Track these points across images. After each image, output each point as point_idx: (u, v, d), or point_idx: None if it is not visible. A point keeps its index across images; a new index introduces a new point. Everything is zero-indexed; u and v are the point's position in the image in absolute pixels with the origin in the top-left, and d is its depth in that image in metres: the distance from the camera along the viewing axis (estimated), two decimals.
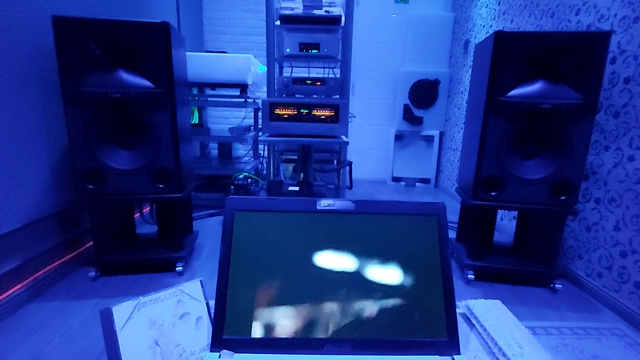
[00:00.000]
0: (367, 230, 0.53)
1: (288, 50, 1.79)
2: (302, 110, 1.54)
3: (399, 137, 3.26)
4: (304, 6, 1.82)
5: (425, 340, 0.49)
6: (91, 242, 1.56)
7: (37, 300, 1.23)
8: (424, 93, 3.07)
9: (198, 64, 2.14)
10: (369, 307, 0.50)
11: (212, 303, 0.53)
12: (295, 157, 2.47)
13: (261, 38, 3.21)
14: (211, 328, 0.52)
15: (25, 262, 1.22)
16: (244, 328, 0.48)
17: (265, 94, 2.13)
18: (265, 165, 2.86)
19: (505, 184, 1.32)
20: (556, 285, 1.39)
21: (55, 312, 1.17)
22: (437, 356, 0.49)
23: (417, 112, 3.13)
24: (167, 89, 1.26)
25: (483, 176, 1.33)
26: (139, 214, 1.93)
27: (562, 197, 1.29)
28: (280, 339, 0.48)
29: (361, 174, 3.49)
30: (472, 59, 2.61)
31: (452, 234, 1.97)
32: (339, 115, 1.54)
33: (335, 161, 2.45)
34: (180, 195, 1.35)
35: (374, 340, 0.49)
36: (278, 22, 1.85)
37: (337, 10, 1.79)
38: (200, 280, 0.54)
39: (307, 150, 1.89)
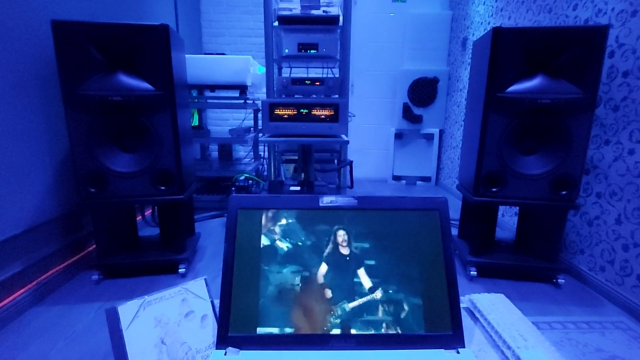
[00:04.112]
0: (370, 226, 0.54)
1: (287, 50, 1.79)
2: (301, 110, 1.54)
3: (399, 135, 3.27)
4: (301, 7, 1.82)
5: (429, 334, 0.50)
6: (94, 246, 1.56)
7: (40, 304, 1.24)
8: (423, 91, 3.07)
9: (197, 66, 2.14)
10: (373, 302, 0.50)
11: (216, 302, 0.54)
12: (296, 157, 2.47)
13: (260, 39, 3.22)
14: (216, 326, 0.52)
15: (29, 266, 1.22)
16: (249, 325, 0.49)
17: (265, 94, 2.13)
18: (266, 166, 2.86)
19: (506, 180, 1.32)
20: (559, 280, 1.39)
21: (59, 316, 1.17)
22: (442, 350, 0.49)
23: (417, 111, 3.13)
24: (167, 91, 1.26)
25: (484, 173, 1.33)
26: (140, 217, 1.93)
27: (563, 192, 1.29)
28: (285, 335, 0.48)
29: (362, 173, 3.49)
30: (470, 56, 2.61)
31: (454, 231, 1.97)
32: (339, 114, 1.54)
33: (335, 161, 2.46)
34: (181, 197, 1.36)
35: (379, 335, 0.49)
36: (276, 23, 1.85)
37: (334, 10, 1.80)
38: (205, 279, 0.54)
39: (307, 150, 1.89)
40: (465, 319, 0.61)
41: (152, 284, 1.38)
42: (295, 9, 1.82)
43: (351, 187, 2.24)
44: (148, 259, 1.41)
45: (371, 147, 3.43)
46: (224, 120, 3.39)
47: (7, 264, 1.14)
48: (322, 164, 2.45)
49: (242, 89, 2.30)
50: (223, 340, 0.48)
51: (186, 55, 2.00)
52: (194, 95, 2.60)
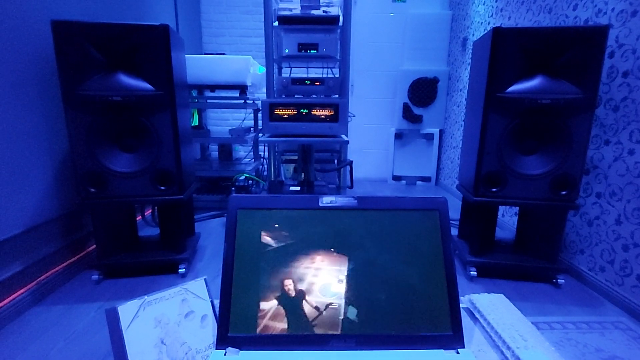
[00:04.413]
0: (370, 227, 0.54)
1: (287, 50, 1.79)
2: (301, 110, 1.54)
3: (398, 135, 3.27)
4: (301, 7, 1.82)
5: (429, 334, 0.50)
6: (94, 246, 1.56)
7: (41, 304, 1.24)
8: (423, 91, 3.07)
9: (197, 66, 2.14)
10: (373, 303, 0.50)
11: (216, 302, 0.54)
12: (296, 157, 2.47)
13: (259, 39, 3.22)
14: (216, 326, 0.52)
15: (29, 266, 1.22)
16: (249, 325, 0.49)
17: (265, 94, 2.13)
18: (265, 166, 2.86)
19: (506, 180, 1.32)
20: (559, 280, 1.39)
21: (59, 316, 1.17)
22: (442, 350, 0.49)
23: (417, 111, 3.13)
24: (167, 91, 1.26)
25: (484, 173, 1.33)
26: (140, 217, 1.93)
27: (563, 192, 1.29)
28: (285, 335, 0.48)
29: (362, 173, 3.49)
30: (470, 56, 2.61)
31: (454, 231, 1.97)
32: (339, 114, 1.54)
33: (335, 161, 2.46)
34: (181, 197, 1.36)
35: (379, 335, 0.49)
36: (276, 23, 1.85)
37: (334, 10, 1.80)
38: (205, 279, 0.54)
39: (307, 150, 1.89)
40: (465, 319, 0.62)
41: (152, 284, 1.38)
42: (295, 9, 1.82)
43: (351, 187, 2.24)
44: (148, 259, 1.41)
45: (371, 147, 3.43)
46: (224, 120, 3.39)
47: (7, 263, 1.14)
48: (322, 164, 2.45)
49: (242, 89, 2.30)
50: (223, 341, 0.48)
51: (186, 55, 2.00)
52: (194, 95, 2.60)
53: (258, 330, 0.48)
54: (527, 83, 1.24)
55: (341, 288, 0.51)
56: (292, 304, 0.50)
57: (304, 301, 0.50)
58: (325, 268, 0.51)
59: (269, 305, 0.49)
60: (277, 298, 0.50)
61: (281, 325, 0.49)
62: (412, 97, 3.09)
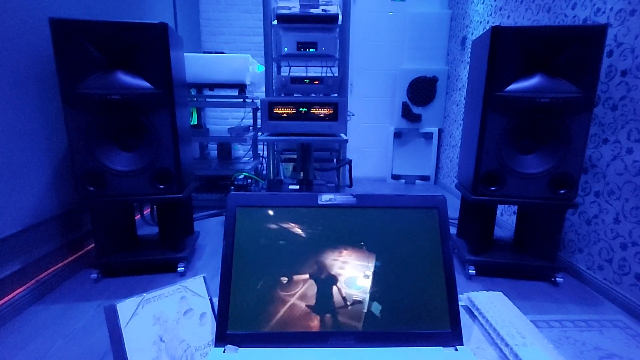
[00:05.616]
0: (369, 224, 0.54)
1: (286, 49, 1.79)
2: (300, 109, 1.54)
3: (398, 134, 3.27)
4: (301, 5, 1.82)
5: (428, 331, 0.50)
6: (93, 244, 1.56)
7: (39, 303, 1.23)
8: (422, 90, 3.07)
9: (196, 64, 2.14)
10: (372, 300, 0.50)
11: (215, 300, 0.54)
12: (295, 156, 2.47)
13: (259, 38, 3.21)
14: (215, 324, 0.52)
15: (28, 265, 1.22)
16: (248, 323, 0.49)
17: (264, 93, 2.13)
18: (265, 165, 2.86)
19: (505, 179, 1.32)
20: (557, 279, 1.39)
21: (58, 314, 1.17)
22: (441, 347, 0.49)
23: (416, 110, 3.13)
24: (166, 89, 1.26)
25: (483, 171, 1.33)
26: (139, 216, 1.93)
27: (562, 191, 1.30)
28: (284, 332, 0.48)
29: (361, 172, 3.49)
30: (469, 55, 2.61)
31: (452, 230, 1.97)
32: (338, 113, 1.54)
33: (334, 160, 2.46)
34: (180, 195, 1.36)
35: (378, 333, 0.49)
36: (275, 22, 1.85)
37: (334, 9, 1.80)
38: (204, 277, 0.55)
39: (306, 148, 1.89)
40: (464, 317, 0.62)
41: (151, 283, 1.38)
42: (295, 7, 1.82)
43: (350, 186, 2.24)
44: (147, 257, 1.41)
45: (370, 146, 3.43)
46: (223, 119, 3.39)
47: (7, 262, 1.14)
48: (321, 163, 2.45)
49: (241, 87, 2.29)
50: (222, 338, 0.48)
51: (185, 54, 2.00)
52: (193, 93, 2.59)
53: (257, 327, 0.48)
54: (526, 82, 1.24)
55: (340, 285, 0.51)
56: (291, 300, 0.50)
57: (302, 298, 0.50)
58: (324, 266, 0.51)
59: (268, 302, 0.49)
60: (276, 295, 0.50)
61: (280, 323, 0.49)
62: (411, 96, 3.09)
